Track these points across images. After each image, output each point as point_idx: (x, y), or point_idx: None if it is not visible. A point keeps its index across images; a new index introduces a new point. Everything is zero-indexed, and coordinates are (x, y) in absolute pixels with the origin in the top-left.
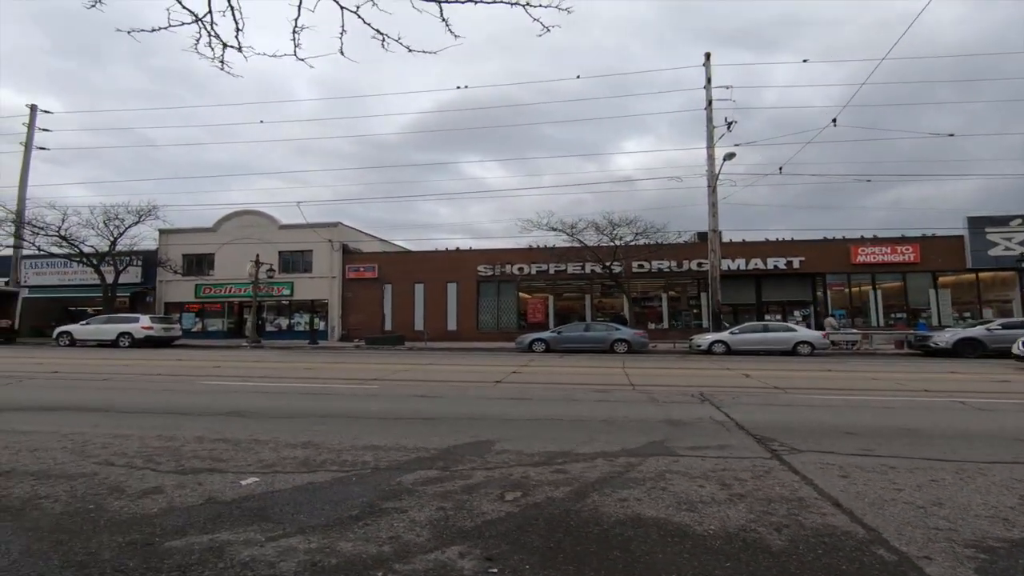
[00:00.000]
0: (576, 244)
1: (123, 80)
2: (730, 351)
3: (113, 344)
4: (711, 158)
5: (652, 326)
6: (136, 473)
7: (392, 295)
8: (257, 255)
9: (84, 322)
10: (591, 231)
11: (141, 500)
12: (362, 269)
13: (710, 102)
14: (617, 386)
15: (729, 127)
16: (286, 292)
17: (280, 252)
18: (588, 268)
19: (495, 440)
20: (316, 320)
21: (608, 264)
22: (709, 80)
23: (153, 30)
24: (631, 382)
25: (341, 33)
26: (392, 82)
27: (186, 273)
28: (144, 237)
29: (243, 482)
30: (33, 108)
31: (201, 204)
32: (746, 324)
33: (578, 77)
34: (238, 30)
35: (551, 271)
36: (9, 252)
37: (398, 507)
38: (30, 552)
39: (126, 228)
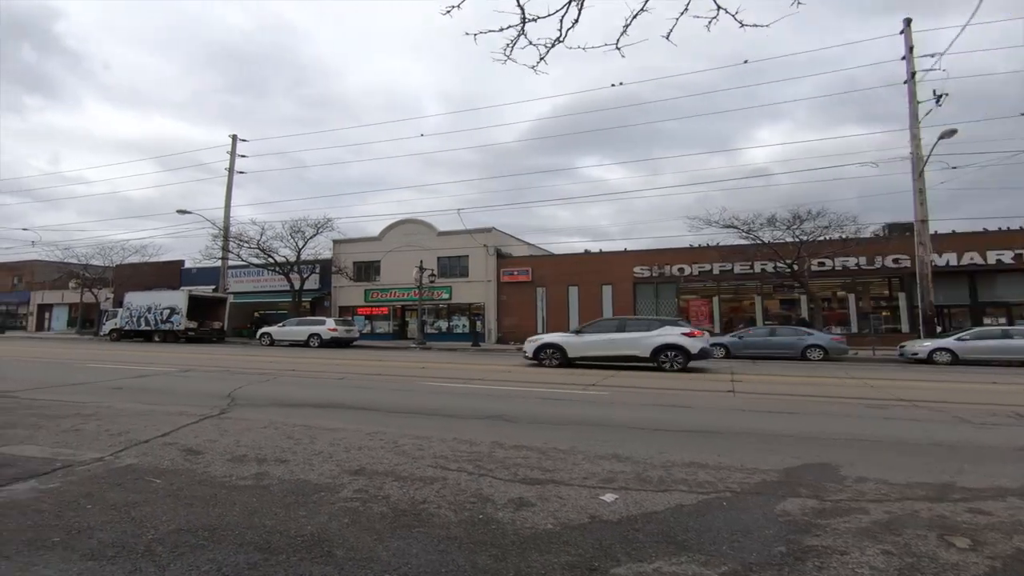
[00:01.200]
0: (747, 241)
1: (281, 109)
2: (957, 360)
3: (304, 344)
4: (915, 138)
5: (838, 330)
6: (482, 480)
7: (546, 298)
8: (421, 261)
9: (280, 324)
10: (765, 226)
11: (521, 512)
12: (515, 273)
13: (912, 74)
14: (883, 401)
15: (939, 100)
16: (445, 296)
17: (439, 258)
18: (758, 267)
19: (834, 464)
20: (477, 323)
21: (790, 262)
22: (911, 50)
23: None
24: (897, 397)
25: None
26: (509, 92)
27: (356, 279)
28: (322, 247)
29: (604, 498)
30: (234, 138)
31: (352, 217)
32: (979, 329)
33: (710, 68)
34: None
35: (715, 271)
36: (214, 263)
37: (827, 546)
38: (457, 569)
39: (307, 240)
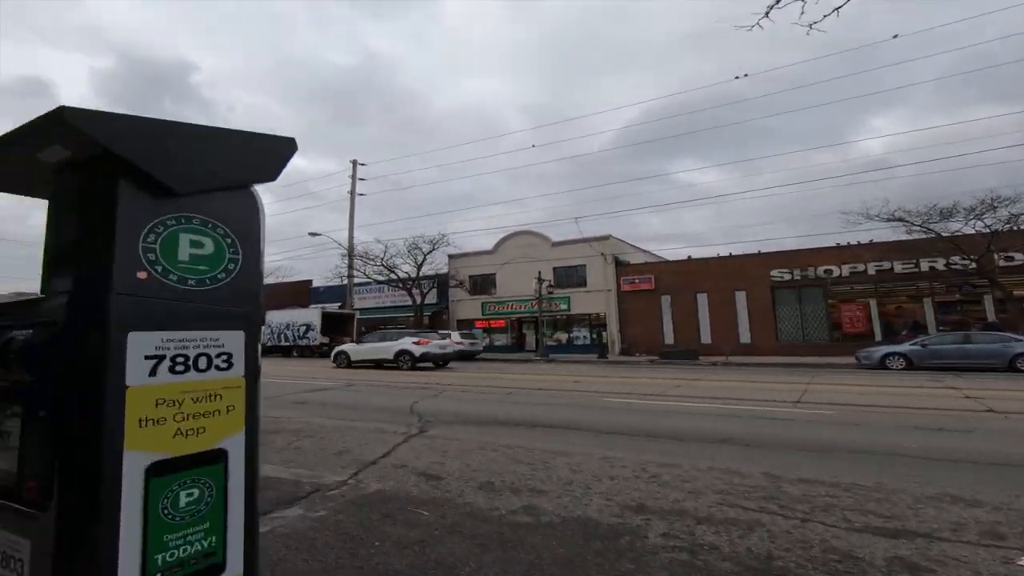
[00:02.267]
0: (917, 235)
1: (376, 134)
2: None
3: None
4: None
5: None
6: (814, 527)
7: (671, 306)
8: (539, 272)
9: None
10: (940, 218)
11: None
12: (637, 280)
13: None
14: None
15: None
16: (563, 307)
17: (554, 268)
18: (924, 264)
19: None
20: (602, 334)
21: (975, 257)
22: None
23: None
24: None
25: None
26: (590, 103)
27: (472, 292)
28: (439, 262)
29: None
30: (354, 163)
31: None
32: None
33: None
34: None
35: (870, 271)
36: (340, 282)
37: None
38: None
39: (425, 255)
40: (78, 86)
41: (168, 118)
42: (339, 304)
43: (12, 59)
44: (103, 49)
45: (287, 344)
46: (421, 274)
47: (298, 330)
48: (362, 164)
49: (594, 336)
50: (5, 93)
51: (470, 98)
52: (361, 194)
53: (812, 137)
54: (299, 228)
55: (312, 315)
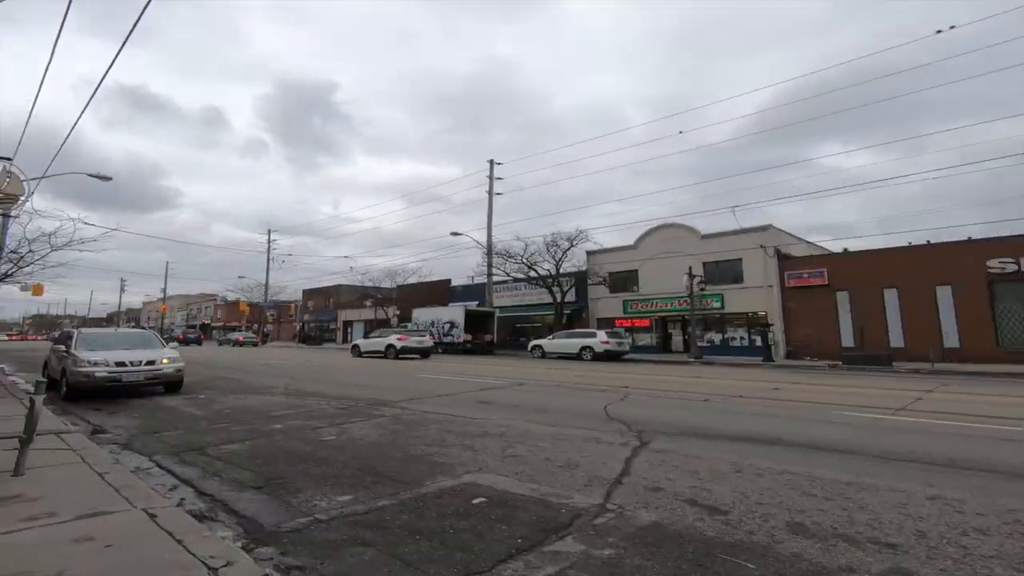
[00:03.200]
0: None
1: (496, 138)
2: None
3: (576, 357)
4: None
5: None
6: None
7: (850, 304)
8: (690, 267)
9: (551, 337)
10: None
11: None
12: (806, 275)
13: None
14: None
15: None
16: (716, 304)
17: (704, 263)
18: None
19: None
20: (768, 335)
21: None
22: None
23: None
24: None
25: None
26: (717, 90)
27: (613, 290)
28: (577, 260)
29: None
30: (491, 163)
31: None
32: None
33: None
34: None
35: None
36: (478, 281)
37: None
38: None
39: (564, 252)
40: (244, 113)
41: (317, 135)
42: (477, 303)
43: (198, 93)
44: (263, 78)
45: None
46: (561, 271)
47: (442, 327)
48: (499, 163)
49: (752, 337)
50: (195, 121)
51: (591, 95)
52: (499, 193)
53: (989, 108)
54: (428, 231)
55: (456, 313)
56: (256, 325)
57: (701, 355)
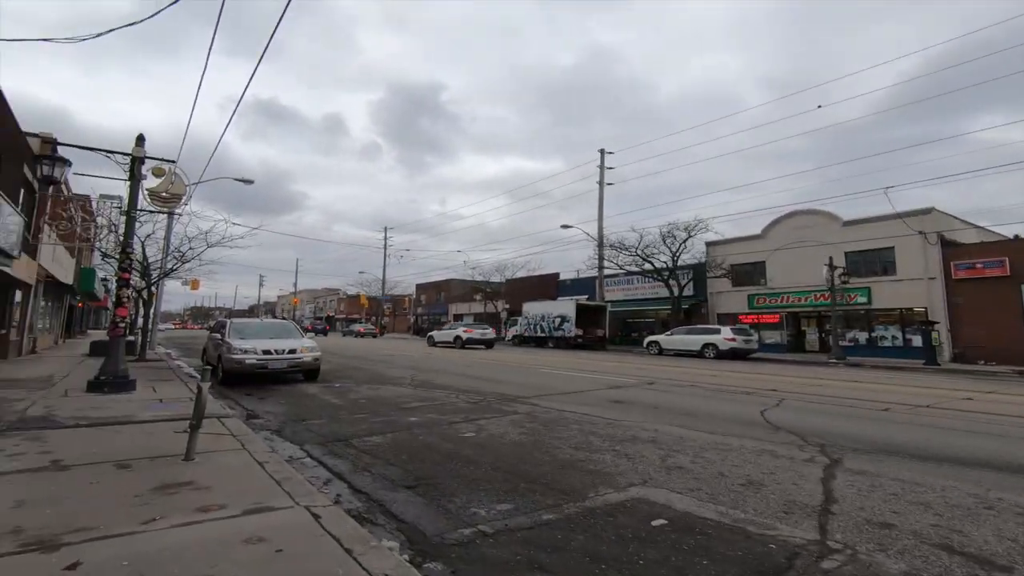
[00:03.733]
0: None
1: (599, 130)
2: None
3: (697, 355)
4: None
5: None
6: None
7: None
8: (830, 258)
9: (668, 333)
10: None
11: None
12: (979, 265)
13: None
14: None
15: None
16: (861, 299)
17: (846, 253)
18: None
19: None
20: (932, 334)
21: None
22: None
23: None
24: None
25: None
26: (850, 61)
27: (736, 283)
28: (695, 251)
29: None
30: (602, 152)
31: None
32: None
33: None
34: None
35: None
36: (587, 274)
37: None
38: None
39: (681, 244)
40: (360, 118)
41: (425, 136)
42: (587, 296)
43: (319, 102)
44: (377, 83)
45: (542, 335)
46: (678, 263)
47: (553, 321)
48: (610, 152)
49: (908, 336)
50: (317, 130)
51: (699, 79)
52: (610, 184)
53: None
54: (530, 226)
55: (567, 307)
56: (374, 317)
57: (844, 356)
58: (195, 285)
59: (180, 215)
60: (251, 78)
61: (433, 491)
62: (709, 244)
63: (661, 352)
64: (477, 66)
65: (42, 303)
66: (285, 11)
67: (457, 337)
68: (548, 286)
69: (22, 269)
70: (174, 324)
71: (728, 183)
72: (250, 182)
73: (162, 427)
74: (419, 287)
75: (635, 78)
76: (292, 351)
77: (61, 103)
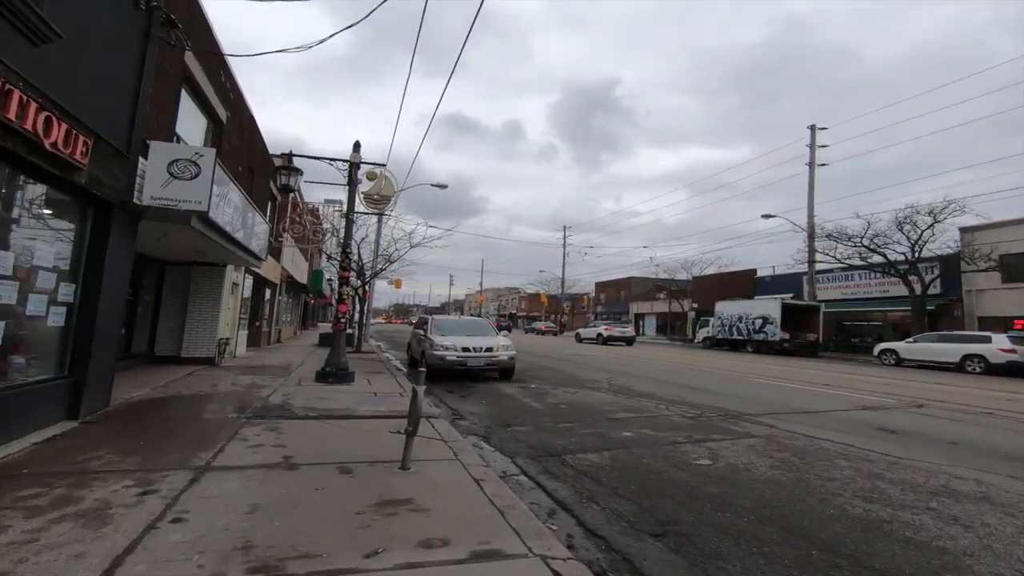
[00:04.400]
0: None
1: (792, 107)
2: None
3: (954, 368)
4: None
5: None
6: None
7: None
8: None
9: (910, 340)
10: None
11: None
12: None
13: None
14: None
15: None
16: None
17: None
18: None
19: None
20: None
21: None
22: None
23: None
24: None
25: None
26: None
27: (1008, 279)
28: (945, 240)
29: None
30: (812, 128)
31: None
32: None
33: None
34: None
35: None
36: (791, 270)
37: None
38: None
39: (923, 231)
40: (537, 122)
41: (599, 133)
42: (791, 295)
43: (499, 110)
44: (552, 86)
45: (739, 338)
46: (920, 255)
47: (753, 323)
48: (822, 128)
49: None
50: (498, 137)
51: (917, 40)
52: (822, 164)
53: None
54: (712, 221)
55: (771, 307)
56: (554, 315)
57: None
58: (398, 284)
59: (389, 215)
60: (440, 98)
61: (689, 546)
62: (964, 230)
63: (899, 363)
64: (652, 56)
65: (285, 300)
66: (470, 32)
67: (599, 334)
68: (742, 284)
69: (270, 271)
70: (383, 319)
71: (958, 161)
72: (444, 187)
73: (378, 425)
74: (599, 285)
75: (834, 47)
76: (489, 349)
77: (297, 132)
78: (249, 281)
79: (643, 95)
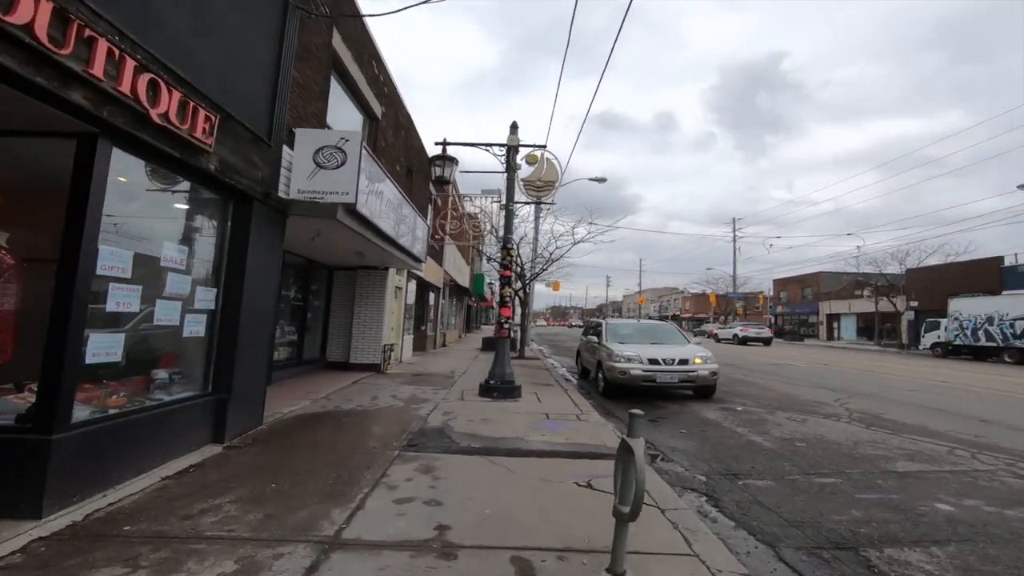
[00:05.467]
0: None
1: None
2: None
3: None
4: None
5: None
6: None
7: None
8: None
9: None
10: None
11: None
12: None
13: None
14: None
15: None
16: None
17: None
18: None
19: None
20: None
21: None
22: None
23: None
24: None
25: None
26: None
27: None
28: None
29: None
30: None
31: None
32: None
33: None
34: None
35: None
36: None
37: None
38: None
39: None
40: (692, 110)
41: (764, 114)
42: None
43: (649, 103)
44: (707, 71)
45: (989, 344)
46: None
47: (1010, 325)
48: None
49: None
50: (648, 130)
51: None
52: None
53: None
54: (910, 207)
55: None
56: (723, 317)
57: None
58: (556, 287)
59: (551, 206)
60: (594, 96)
61: None
62: None
63: None
64: (826, 20)
65: (448, 303)
66: (622, 27)
67: (735, 335)
68: (983, 275)
69: (432, 274)
70: (547, 322)
71: None
72: (603, 180)
73: (558, 469)
74: (778, 283)
75: None
76: (684, 361)
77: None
78: (412, 285)
79: (816, 66)
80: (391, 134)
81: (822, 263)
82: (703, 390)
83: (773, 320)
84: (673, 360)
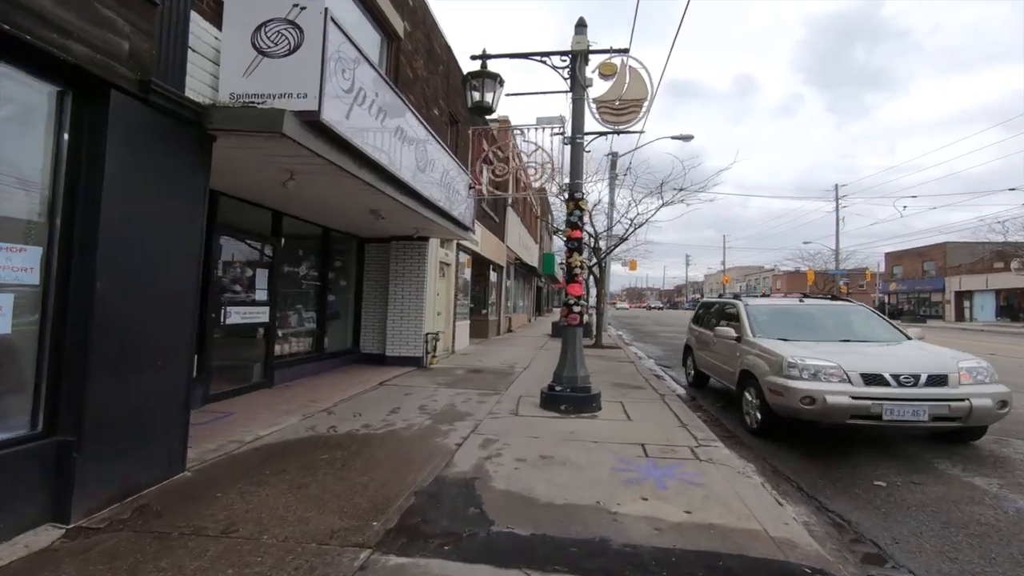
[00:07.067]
0: None
1: None
2: None
3: None
4: None
5: None
6: None
7: None
8: None
9: None
10: None
11: None
12: None
13: None
14: None
15: None
16: None
17: None
18: None
19: None
20: None
21: None
22: None
23: None
24: None
25: None
26: None
27: None
28: None
29: None
30: None
31: None
32: None
33: None
34: None
35: None
36: None
37: None
38: None
39: None
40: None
41: (862, 69)
42: None
43: (726, 67)
44: (790, 25)
45: None
46: None
47: None
48: None
49: None
50: (726, 97)
51: None
52: None
53: None
54: None
55: None
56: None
57: None
58: (633, 266)
59: (642, 133)
60: (664, 66)
61: None
62: None
63: None
64: None
65: (513, 284)
66: None
67: None
68: None
69: (492, 250)
70: (628, 304)
71: None
72: (690, 137)
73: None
74: (891, 256)
75: None
76: (937, 380)
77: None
78: (465, 261)
79: (924, 8)
80: (421, 65)
81: (944, 233)
82: (970, 432)
83: (885, 299)
84: (916, 378)
